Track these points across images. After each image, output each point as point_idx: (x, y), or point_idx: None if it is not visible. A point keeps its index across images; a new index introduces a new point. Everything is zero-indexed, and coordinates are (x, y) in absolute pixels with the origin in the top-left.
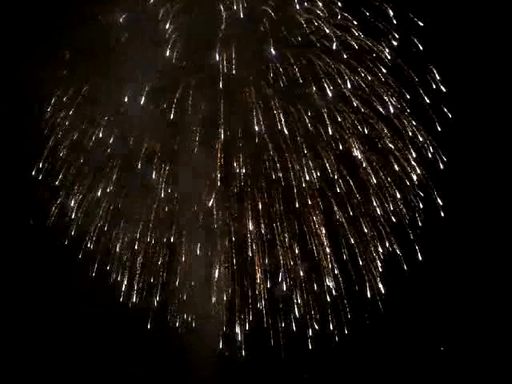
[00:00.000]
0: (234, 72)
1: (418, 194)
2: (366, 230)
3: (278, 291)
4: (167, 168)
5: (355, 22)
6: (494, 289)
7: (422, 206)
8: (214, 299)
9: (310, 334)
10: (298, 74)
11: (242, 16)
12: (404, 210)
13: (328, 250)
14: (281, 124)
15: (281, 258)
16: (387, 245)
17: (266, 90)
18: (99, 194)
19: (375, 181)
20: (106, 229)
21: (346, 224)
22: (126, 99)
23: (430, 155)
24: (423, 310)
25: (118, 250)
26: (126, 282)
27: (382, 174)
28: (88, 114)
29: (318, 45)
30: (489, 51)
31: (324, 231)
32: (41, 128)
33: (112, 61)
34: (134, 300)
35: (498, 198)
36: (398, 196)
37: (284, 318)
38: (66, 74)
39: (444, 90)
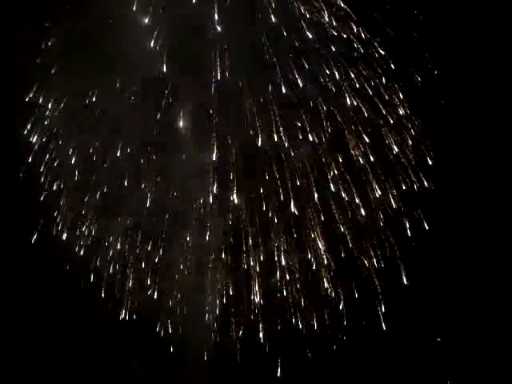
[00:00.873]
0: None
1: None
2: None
3: (272, 284)
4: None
5: (354, 17)
6: (492, 280)
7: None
8: (208, 297)
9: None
10: (295, 70)
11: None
12: (403, 208)
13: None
14: (276, 123)
15: (275, 255)
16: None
17: (260, 84)
18: (87, 199)
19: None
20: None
21: (343, 225)
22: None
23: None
24: (420, 302)
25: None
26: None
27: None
28: (74, 115)
29: (317, 40)
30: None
31: (319, 230)
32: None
33: (97, 57)
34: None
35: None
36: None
37: (280, 323)
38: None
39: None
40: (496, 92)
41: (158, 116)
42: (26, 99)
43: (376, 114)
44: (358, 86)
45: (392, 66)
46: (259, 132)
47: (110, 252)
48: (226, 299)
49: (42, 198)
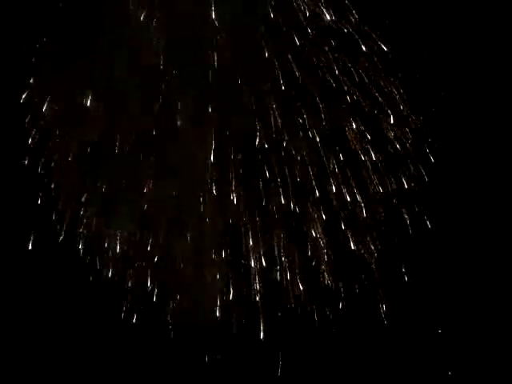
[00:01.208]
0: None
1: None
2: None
3: (272, 281)
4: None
5: (353, 10)
6: (493, 274)
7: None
8: (208, 295)
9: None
10: (294, 64)
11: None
12: (404, 204)
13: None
14: (275, 119)
15: (275, 251)
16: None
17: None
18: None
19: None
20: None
21: (343, 220)
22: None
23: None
24: (421, 294)
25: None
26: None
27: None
28: (71, 114)
29: (316, 34)
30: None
31: (320, 225)
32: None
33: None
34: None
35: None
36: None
37: (281, 320)
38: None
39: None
40: (498, 86)
41: (156, 113)
42: (21, 100)
43: (376, 108)
44: (357, 80)
45: (392, 60)
46: (258, 128)
47: (109, 252)
48: (227, 297)
49: (39, 200)
